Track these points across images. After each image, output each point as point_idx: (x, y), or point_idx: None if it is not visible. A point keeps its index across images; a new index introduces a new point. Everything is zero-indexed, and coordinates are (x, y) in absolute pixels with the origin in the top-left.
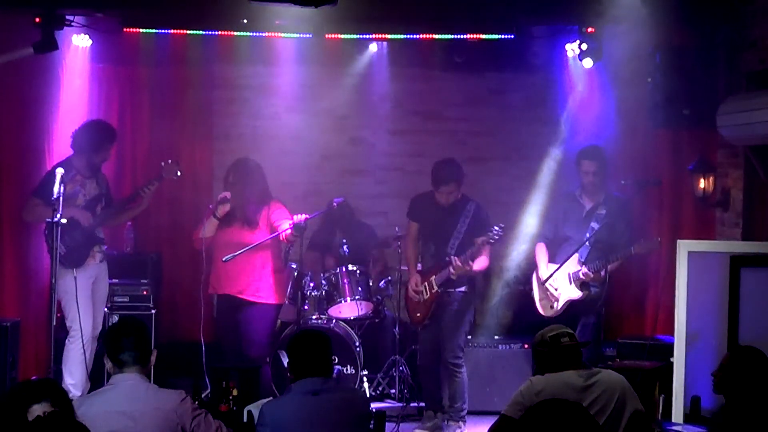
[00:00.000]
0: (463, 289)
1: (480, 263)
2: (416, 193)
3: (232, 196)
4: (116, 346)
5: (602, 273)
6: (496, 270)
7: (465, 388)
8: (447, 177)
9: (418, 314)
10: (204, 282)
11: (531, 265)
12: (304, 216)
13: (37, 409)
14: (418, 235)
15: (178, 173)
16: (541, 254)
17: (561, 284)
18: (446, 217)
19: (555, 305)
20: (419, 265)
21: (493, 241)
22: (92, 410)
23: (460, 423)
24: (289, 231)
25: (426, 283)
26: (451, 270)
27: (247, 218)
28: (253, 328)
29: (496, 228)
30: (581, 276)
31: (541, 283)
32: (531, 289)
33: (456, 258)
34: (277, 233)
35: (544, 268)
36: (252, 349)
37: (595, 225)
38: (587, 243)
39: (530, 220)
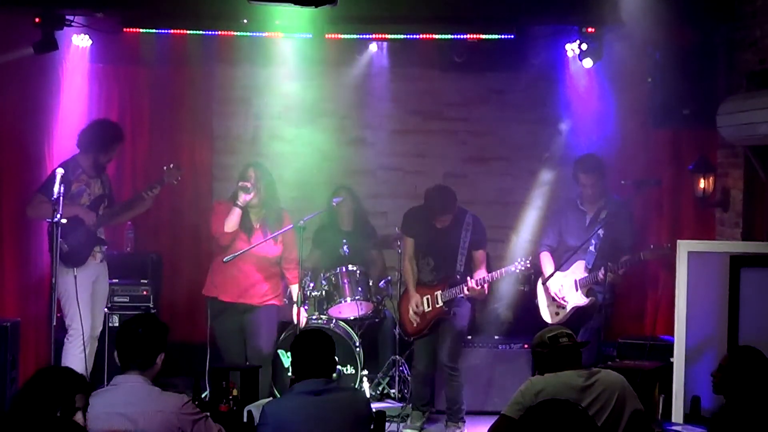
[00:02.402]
0: (463, 297)
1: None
2: (413, 197)
3: (255, 196)
4: (124, 341)
5: (620, 272)
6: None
7: (462, 390)
8: (443, 209)
9: (415, 325)
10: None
11: (532, 266)
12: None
13: (80, 399)
14: (414, 251)
15: (179, 177)
16: (547, 262)
17: (568, 291)
18: (447, 232)
19: (561, 312)
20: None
21: (518, 271)
22: (93, 410)
23: (460, 424)
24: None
25: (428, 297)
26: (466, 292)
27: (268, 231)
28: (259, 332)
29: (520, 262)
30: (601, 277)
31: (543, 283)
32: (536, 297)
33: (473, 281)
34: (274, 234)
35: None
36: (255, 355)
37: (600, 231)
38: (592, 249)
39: (530, 221)
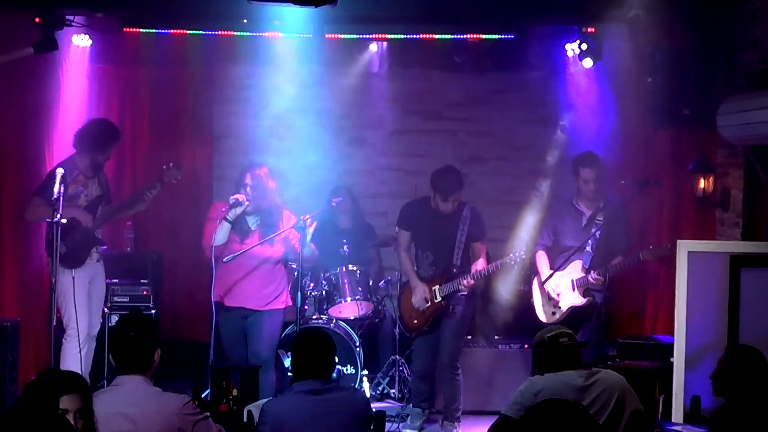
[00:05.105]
0: (465, 293)
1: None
2: (413, 197)
3: (250, 205)
4: (118, 347)
5: (608, 275)
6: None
7: (461, 390)
8: (456, 186)
9: (415, 321)
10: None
11: (531, 266)
12: (306, 216)
13: (66, 401)
14: (410, 244)
15: (179, 177)
16: (542, 262)
17: (564, 291)
18: (445, 225)
19: (557, 312)
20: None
21: (513, 263)
22: (94, 411)
23: (456, 424)
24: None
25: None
26: (464, 287)
27: (267, 233)
28: (260, 337)
29: (515, 254)
30: (591, 281)
31: (541, 285)
32: (531, 297)
33: (470, 277)
34: (276, 233)
35: (546, 274)
36: (255, 359)
37: (597, 233)
38: (589, 249)
39: (530, 221)
